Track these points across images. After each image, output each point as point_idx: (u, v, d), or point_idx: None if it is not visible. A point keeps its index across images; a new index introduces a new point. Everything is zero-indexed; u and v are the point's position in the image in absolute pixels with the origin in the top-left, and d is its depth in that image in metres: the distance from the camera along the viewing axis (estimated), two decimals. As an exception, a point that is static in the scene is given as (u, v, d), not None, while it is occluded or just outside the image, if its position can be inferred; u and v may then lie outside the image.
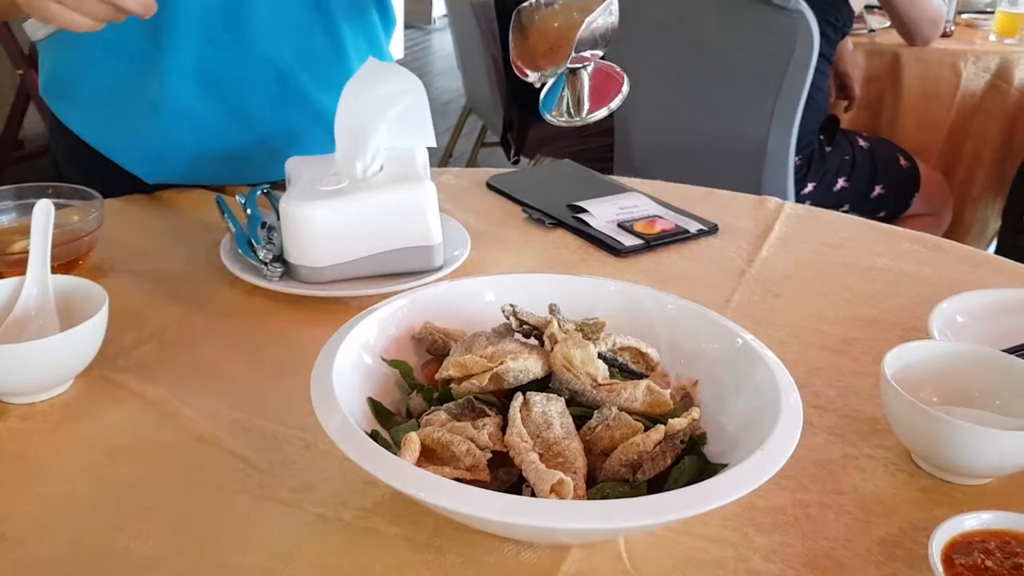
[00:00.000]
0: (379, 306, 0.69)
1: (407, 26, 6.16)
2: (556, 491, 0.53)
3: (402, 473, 0.52)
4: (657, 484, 0.59)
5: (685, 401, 0.68)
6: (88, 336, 0.72)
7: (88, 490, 0.64)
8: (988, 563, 0.56)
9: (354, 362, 0.63)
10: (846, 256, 1.03)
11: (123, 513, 0.62)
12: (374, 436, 0.59)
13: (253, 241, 0.90)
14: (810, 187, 2.14)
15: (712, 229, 1.07)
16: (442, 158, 3.55)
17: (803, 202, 1.96)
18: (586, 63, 0.74)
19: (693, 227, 1.06)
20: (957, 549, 0.57)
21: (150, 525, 0.61)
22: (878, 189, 2.22)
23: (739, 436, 0.62)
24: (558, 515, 0.50)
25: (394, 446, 0.59)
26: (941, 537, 0.57)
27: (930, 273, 0.99)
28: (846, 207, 2.15)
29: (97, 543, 0.59)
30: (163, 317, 0.85)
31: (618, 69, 0.78)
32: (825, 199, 2.13)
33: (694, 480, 0.58)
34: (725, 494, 0.52)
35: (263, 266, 0.88)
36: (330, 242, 0.87)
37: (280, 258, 0.89)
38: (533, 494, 0.55)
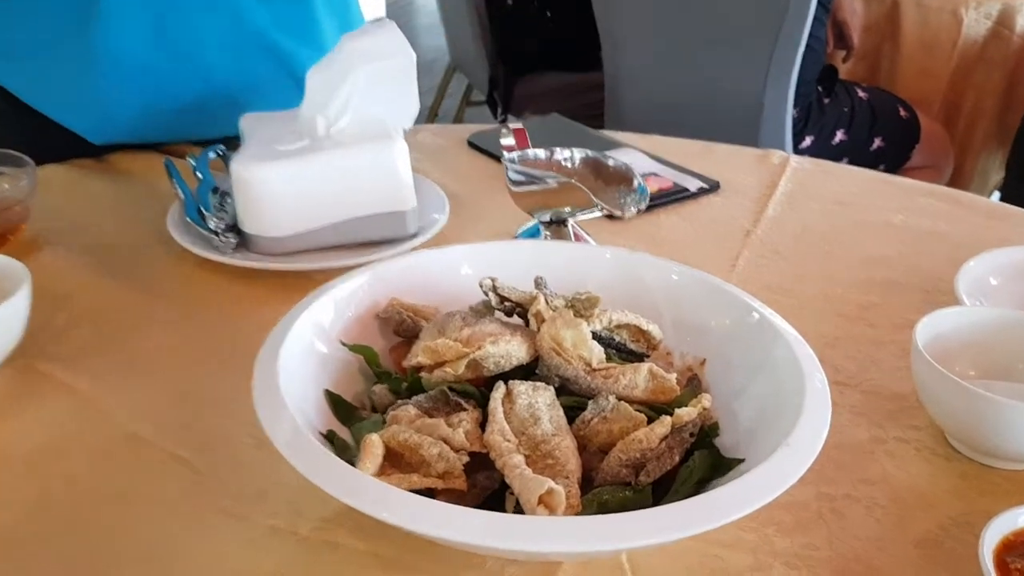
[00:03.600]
0: (335, 283, 0.60)
1: (388, -18, 6.00)
2: (545, 502, 0.45)
3: (358, 488, 0.43)
4: (664, 483, 0.51)
5: (693, 385, 0.59)
6: (5, 321, 0.64)
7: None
8: (1048, 567, 0.49)
9: (305, 350, 0.55)
10: (858, 213, 0.97)
11: (40, 530, 0.54)
12: (330, 437, 0.51)
13: (203, 208, 0.81)
14: (808, 141, 2.07)
15: (713, 187, 1.00)
16: (427, 118, 3.45)
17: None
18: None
19: (693, 185, 0.99)
20: (1011, 550, 0.51)
21: (72, 541, 0.53)
22: (878, 141, 2.16)
23: (756, 425, 0.54)
24: (547, 536, 0.42)
25: (354, 448, 0.51)
26: (992, 536, 0.51)
27: (949, 229, 0.93)
28: (845, 160, 2.08)
29: (4, 565, 0.51)
30: (101, 296, 0.77)
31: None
32: (824, 153, 2.06)
33: (706, 479, 0.51)
34: (747, 502, 0.44)
35: (214, 236, 0.80)
36: (289, 209, 0.80)
37: (234, 227, 0.81)
38: (518, 503, 0.46)
